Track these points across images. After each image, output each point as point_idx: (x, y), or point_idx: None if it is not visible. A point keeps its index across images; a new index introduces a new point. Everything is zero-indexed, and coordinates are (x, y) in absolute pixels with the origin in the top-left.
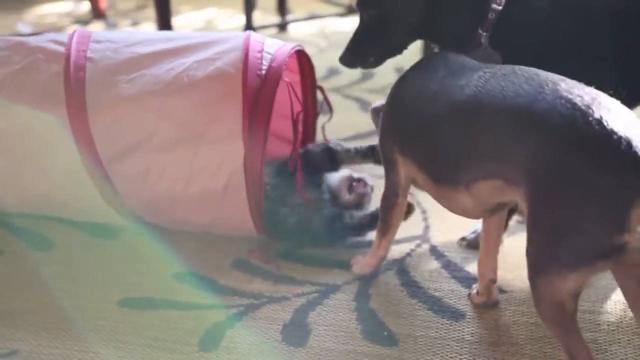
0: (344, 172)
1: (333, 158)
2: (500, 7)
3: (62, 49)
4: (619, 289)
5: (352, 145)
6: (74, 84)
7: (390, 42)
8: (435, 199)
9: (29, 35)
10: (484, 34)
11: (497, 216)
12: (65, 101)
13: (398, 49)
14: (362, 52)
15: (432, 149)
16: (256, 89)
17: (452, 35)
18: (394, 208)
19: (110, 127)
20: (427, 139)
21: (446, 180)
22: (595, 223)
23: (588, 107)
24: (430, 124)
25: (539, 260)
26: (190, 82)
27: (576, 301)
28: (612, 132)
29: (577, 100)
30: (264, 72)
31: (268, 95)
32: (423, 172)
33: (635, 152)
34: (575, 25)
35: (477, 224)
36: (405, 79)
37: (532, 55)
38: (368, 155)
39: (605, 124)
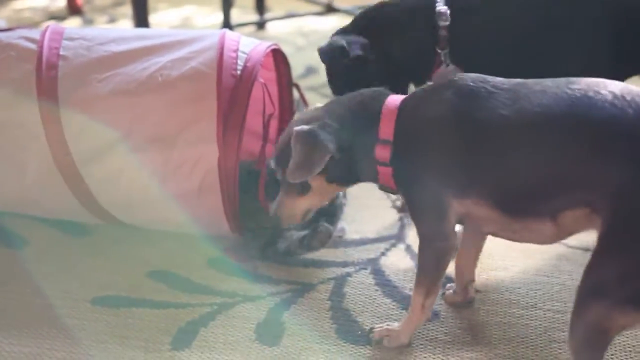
0: None
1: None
2: (447, 23)
3: (34, 46)
4: None
5: None
6: (46, 82)
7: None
8: (505, 234)
9: (1, 31)
10: (442, 52)
11: (479, 234)
12: (37, 100)
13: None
14: None
15: (509, 180)
16: (231, 89)
17: (415, 61)
18: (451, 253)
19: (83, 126)
20: (502, 170)
21: (527, 213)
22: None
23: None
24: (505, 152)
25: (603, 288)
26: (165, 82)
27: (620, 332)
28: None
29: None
30: (239, 72)
31: (243, 95)
32: (495, 208)
33: None
34: (513, 24)
35: None
36: (450, 114)
37: (489, 63)
38: None
39: None
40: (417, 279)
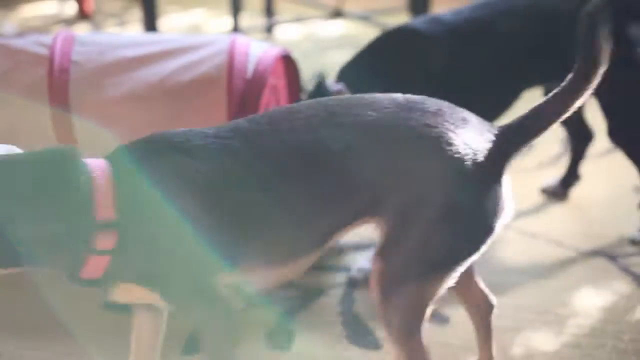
0: None
1: None
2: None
3: (45, 51)
4: (601, 293)
5: None
6: (57, 87)
7: None
8: (271, 284)
9: (13, 36)
10: None
11: (151, 319)
12: (49, 104)
13: None
14: None
15: (279, 232)
16: (242, 93)
17: None
18: (234, 326)
19: (94, 130)
20: (266, 226)
21: (300, 254)
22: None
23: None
24: (268, 206)
25: (403, 275)
26: (176, 86)
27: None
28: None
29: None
30: (249, 76)
31: (254, 99)
32: (267, 265)
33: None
34: None
35: None
36: (197, 182)
37: None
38: None
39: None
40: None
